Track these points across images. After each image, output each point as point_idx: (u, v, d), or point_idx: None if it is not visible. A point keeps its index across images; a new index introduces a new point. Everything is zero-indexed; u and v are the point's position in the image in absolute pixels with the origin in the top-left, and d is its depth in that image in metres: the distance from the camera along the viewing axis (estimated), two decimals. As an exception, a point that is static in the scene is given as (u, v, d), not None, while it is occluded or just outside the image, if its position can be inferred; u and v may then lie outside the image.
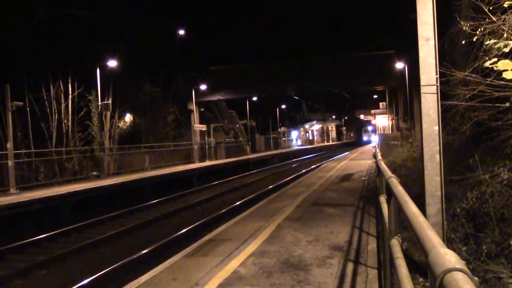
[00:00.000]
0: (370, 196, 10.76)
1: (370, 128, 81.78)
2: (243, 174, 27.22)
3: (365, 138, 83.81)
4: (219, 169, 27.03)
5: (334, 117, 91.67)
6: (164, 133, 30.48)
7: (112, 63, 22.63)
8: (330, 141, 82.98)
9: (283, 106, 57.89)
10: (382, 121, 49.31)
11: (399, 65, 27.16)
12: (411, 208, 1.99)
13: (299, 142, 66.19)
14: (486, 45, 5.61)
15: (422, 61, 5.60)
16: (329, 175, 17.57)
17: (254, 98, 43.43)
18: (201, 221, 12.26)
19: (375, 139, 74.17)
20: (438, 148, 5.59)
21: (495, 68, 5.27)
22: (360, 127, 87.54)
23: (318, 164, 31.80)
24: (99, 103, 21.82)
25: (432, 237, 1.42)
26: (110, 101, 23.61)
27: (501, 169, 6.23)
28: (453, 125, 8.41)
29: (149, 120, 29.91)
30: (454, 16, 6.75)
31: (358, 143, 74.05)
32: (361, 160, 26.05)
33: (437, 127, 5.59)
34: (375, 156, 14.80)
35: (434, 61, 5.57)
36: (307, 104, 76.59)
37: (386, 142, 22.93)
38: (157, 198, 16.92)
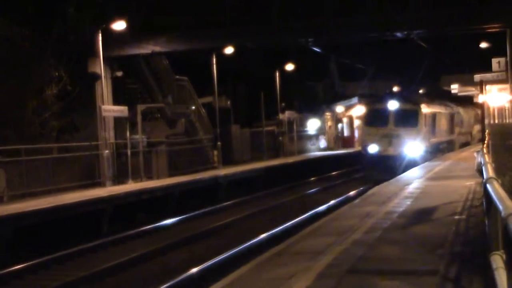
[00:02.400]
0: (470, 255, 10.84)
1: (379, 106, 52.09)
2: (205, 209, 27.54)
3: (371, 148, 47.69)
4: (156, 199, 27.14)
5: (396, 89, 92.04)
6: (40, 123, 30.39)
7: None
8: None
9: (289, 68, 57.37)
10: (497, 97, 49.41)
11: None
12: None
13: (323, 143, 66.06)
14: None
15: None
16: (385, 210, 17.67)
17: (229, 51, 43.08)
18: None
19: (413, 148, 52.93)
20: None
21: None
22: None
23: (362, 188, 31.88)
24: None
25: None
26: None
27: None
28: None
29: (6, 96, 29.77)
30: None
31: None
32: (452, 179, 26.12)
33: None
34: (481, 172, 14.88)
35: None
36: (338, 63, 76.54)
37: (503, 141, 23.11)
38: (20, 263, 17.00)
